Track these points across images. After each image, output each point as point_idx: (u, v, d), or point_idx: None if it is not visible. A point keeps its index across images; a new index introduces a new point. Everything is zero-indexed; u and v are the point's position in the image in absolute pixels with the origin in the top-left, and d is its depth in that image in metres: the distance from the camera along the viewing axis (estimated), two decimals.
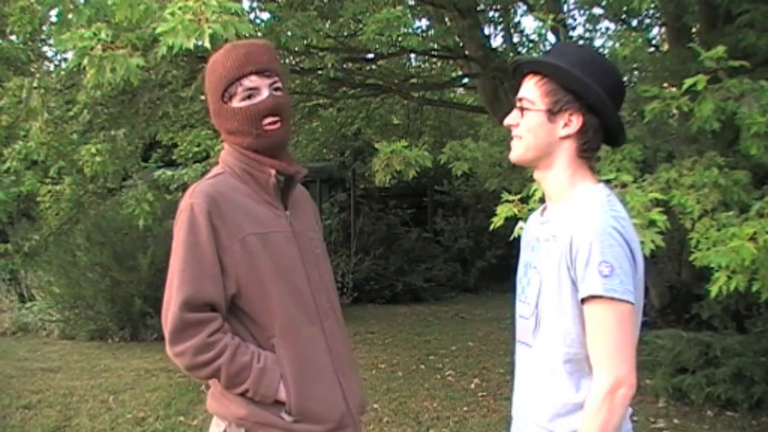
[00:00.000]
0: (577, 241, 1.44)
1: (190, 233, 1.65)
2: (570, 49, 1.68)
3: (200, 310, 1.63)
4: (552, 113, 1.52)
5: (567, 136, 1.53)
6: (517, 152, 1.58)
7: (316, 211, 1.99)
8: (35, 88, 4.50)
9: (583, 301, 1.44)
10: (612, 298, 1.41)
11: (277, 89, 1.75)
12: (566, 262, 1.46)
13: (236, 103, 1.72)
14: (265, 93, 1.72)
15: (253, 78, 1.71)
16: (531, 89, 1.55)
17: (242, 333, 1.69)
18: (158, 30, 2.65)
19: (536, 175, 1.62)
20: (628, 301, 1.42)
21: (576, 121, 1.51)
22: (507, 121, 1.60)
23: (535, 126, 1.53)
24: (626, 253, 1.44)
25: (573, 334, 1.48)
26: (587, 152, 1.55)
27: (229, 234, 1.66)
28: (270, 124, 1.72)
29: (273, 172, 1.74)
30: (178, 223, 1.68)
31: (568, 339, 1.49)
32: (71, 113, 5.13)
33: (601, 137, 1.56)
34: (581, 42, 7.48)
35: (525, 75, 1.59)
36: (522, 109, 1.56)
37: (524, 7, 7.26)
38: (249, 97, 1.72)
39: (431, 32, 7.48)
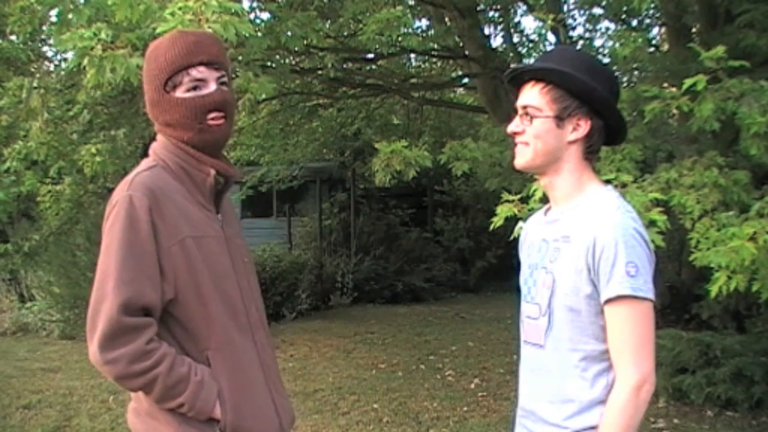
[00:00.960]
0: (601, 243, 1.45)
1: (129, 229, 1.50)
2: (569, 54, 1.67)
3: (137, 314, 1.49)
4: (560, 119, 1.53)
5: (575, 141, 1.54)
6: (525, 158, 1.58)
7: (239, 219, 1.87)
8: (35, 88, 4.51)
9: (608, 300, 1.46)
10: (638, 297, 1.43)
11: (223, 84, 1.63)
12: (586, 262, 1.47)
13: (180, 93, 1.59)
14: (212, 86, 1.60)
15: (202, 69, 1.59)
16: (536, 96, 1.55)
17: (171, 344, 1.55)
18: (158, 30, 2.65)
19: (543, 180, 1.62)
20: (651, 300, 1.45)
21: (584, 126, 1.53)
22: (511, 128, 1.60)
23: (544, 132, 1.54)
24: (646, 252, 1.47)
25: (589, 332, 1.50)
26: (591, 154, 1.58)
27: (168, 234, 1.53)
28: (214, 119, 1.60)
29: (213, 172, 1.62)
30: (114, 215, 1.52)
31: (584, 337, 1.51)
32: (71, 113, 5.13)
33: (604, 138, 1.59)
34: (581, 42, 7.49)
35: (524, 82, 1.59)
36: (528, 116, 1.56)
37: (524, 7, 7.27)
38: (195, 88, 1.59)
39: (431, 32, 7.48)
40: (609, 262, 1.44)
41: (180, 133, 1.61)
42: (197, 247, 1.56)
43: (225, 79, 1.64)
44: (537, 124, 1.54)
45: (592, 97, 1.52)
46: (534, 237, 1.67)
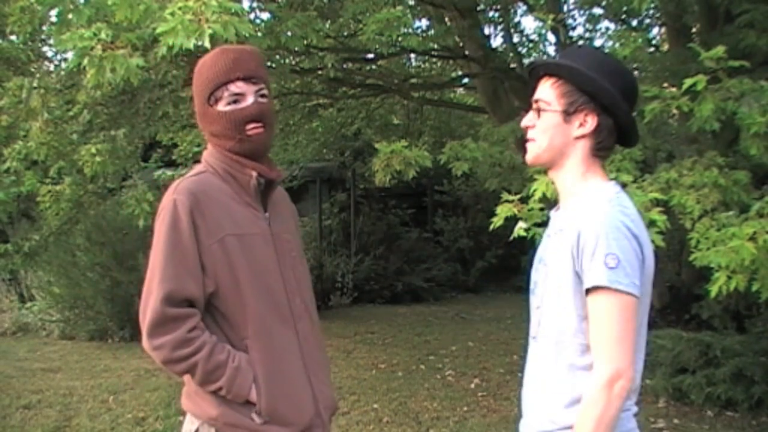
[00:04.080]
0: (585, 234, 1.46)
1: (173, 230, 1.67)
2: (584, 52, 1.74)
3: (180, 305, 1.65)
4: (567, 114, 1.55)
5: (582, 136, 1.56)
6: (533, 153, 1.62)
7: (296, 215, 2.03)
8: (35, 88, 4.50)
9: (587, 291, 1.46)
10: (616, 290, 1.42)
11: (262, 96, 1.78)
12: (572, 254, 1.48)
13: (221, 107, 1.75)
14: (250, 99, 1.75)
15: (240, 84, 1.74)
16: (547, 91, 1.59)
17: (216, 332, 1.71)
18: (158, 30, 2.65)
19: (550, 174, 1.66)
20: (632, 294, 1.44)
21: (591, 122, 1.55)
22: (524, 122, 1.63)
23: (551, 127, 1.57)
24: (633, 247, 1.45)
25: (575, 326, 1.50)
26: (601, 151, 1.59)
27: (209, 233, 1.69)
28: (253, 129, 1.75)
29: (254, 174, 1.77)
30: (161, 218, 1.70)
31: (571, 330, 1.51)
32: (71, 113, 5.12)
33: (615, 137, 1.60)
34: (581, 42, 7.49)
35: (540, 77, 1.62)
36: (538, 110, 1.59)
37: (524, 7, 7.27)
38: (234, 102, 1.75)
39: (431, 32, 7.47)
40: (590, 253, 1.44)
41: (223, 142, 1.78)
42: (239, 244, 1.71)
43: (264, 91, 1.79)
44: (545, 118, 1.58)
45: (599, 93, 1.53)
46: (545, 233, 1.69)
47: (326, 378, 1.89)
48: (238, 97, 1.74)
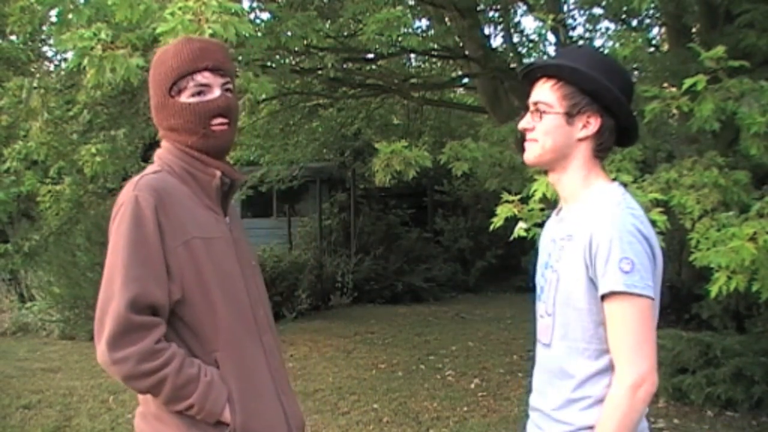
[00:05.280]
0: (597, 239, 1.45)
1: (136, 228, 1.48)
2: (581, 52, 1.70)
3: (144, 312, 1.47)
4: (570, 116, 1.54)
5: (584, 138, 1.55)
6: (534, 154, 1.59)
7: (243, 224, 1.85)
8: (35, 88, 4.51)
9: (603, 297, 1.46)
10: (633, 294, 1.42)
11: (228, 90, 1.64)
12: (584, 260, 1.47)
13: (185, 98, 1.60)
14: (217, 92, 1.61)
15: (207, 74, 1.60)
16: (547, 93, 1.56)
17: (179, 345, 1.52)
18: (158, 30, 2.66)
19: (551, 176, 1.64)
20: (648, 297, 1.44)
21: (594, 123, 1.54)
22: (522, 124, 1.61)
23: (553, 129, 1.55)
24: (645, 249, 1.45)
25: (590, 332, 1.50)
26: (602, 152, 1.58)
27: (174, 234, 1.52)
28: (218, 124, 1.61)
29: (218, 173, 1.62)
30: (120, 215, 1.52)
31: (586, 336, 1.50)
32: (71, 113, 5.13)
33: (615, 137, 1.59)
34: (581, 42, 7.50)
35: (536, 79, 1.59)
36: (539, 112, 1.57)
37: (524, 7, 7.27)
38: (199, 93, 1.60)
39: (431, 32, 7.48)
40: (603, 258, 1.44)
41: (184, 138, 1.61)
42: (205, 248, 1.55)
43: (230, 85, 1.65)
44: (547, 120, 1.55)
45: (603, 94, 1.52)
46: (546, 236, 1.68)
47: (293, 394, 1.76)
48: (204, 89, 1.60)
